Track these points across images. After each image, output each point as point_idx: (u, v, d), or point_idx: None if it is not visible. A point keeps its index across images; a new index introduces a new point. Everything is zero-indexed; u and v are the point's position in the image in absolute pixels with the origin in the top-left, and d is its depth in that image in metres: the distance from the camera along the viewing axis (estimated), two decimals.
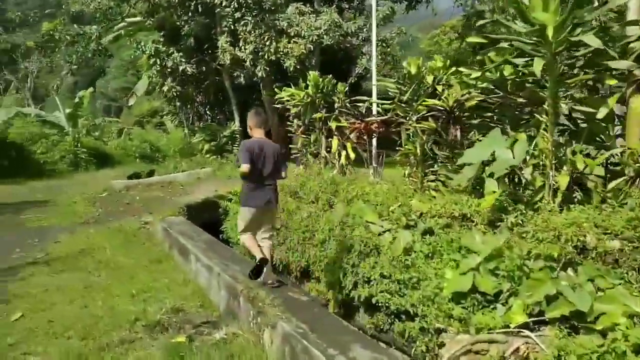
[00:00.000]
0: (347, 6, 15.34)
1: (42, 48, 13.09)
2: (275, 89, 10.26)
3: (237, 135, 14.94)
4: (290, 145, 10.28)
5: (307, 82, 9.38)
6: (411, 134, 7.12)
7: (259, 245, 4.56)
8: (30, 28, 13.62)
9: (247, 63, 12.61)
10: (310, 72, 9.16)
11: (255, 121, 4.65)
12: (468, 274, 4.24)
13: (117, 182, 13.61)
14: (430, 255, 5.22)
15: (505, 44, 5.21)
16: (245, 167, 4.28)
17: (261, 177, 4.45)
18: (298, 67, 12.51)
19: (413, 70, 6.83)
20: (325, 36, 12.78)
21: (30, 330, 4.27)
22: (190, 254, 5.95)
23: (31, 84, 31.35)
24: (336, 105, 8.98)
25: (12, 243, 7.50)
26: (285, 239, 6.70)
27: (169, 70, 13.37)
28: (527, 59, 5.15)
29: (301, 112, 9.23)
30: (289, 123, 10.05)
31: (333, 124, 8.78)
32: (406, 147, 7.13)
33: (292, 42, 12.28)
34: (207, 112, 16.21)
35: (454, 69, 6.68)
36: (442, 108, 6.17)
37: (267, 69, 12.83)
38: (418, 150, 6.84)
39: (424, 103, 6.27)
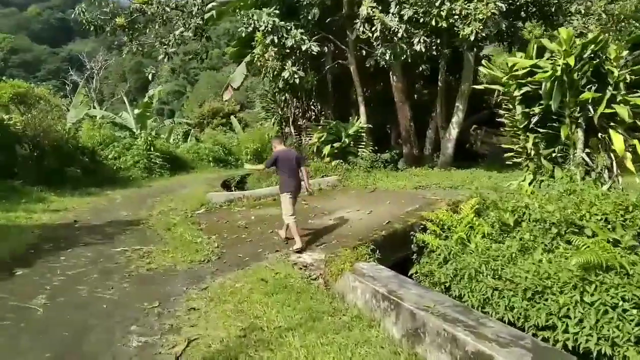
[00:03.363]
0: None
1: (129, 29, 10.63)
2: (484, 63, 7.01)
3: (364, 134, 11.76)
4: (485, 146, 7.04)
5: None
6: None
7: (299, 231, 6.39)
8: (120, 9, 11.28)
9: (400, 33, 9.33)
10: (561, 30, 5.84)
11: (277, 141, 6.89)
12: None
13: (214, 194, 10.86)
14: None
15: None
16: (262, 165, 7.42)
17: (289, 172, 6.43)
18: (483, 35, 9.08)
19: None
20: None
21: None
22: None
23: (96, 85, 29.96)
24: (615, 78, 5.57)
25: (121, 308, 4.68)
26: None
27: (287, 51, 10.39)
28: None
29: (543, 93, 5.87)
30: (503, 112, 6.79)
31: (621, 109, 5.37)
32: None
33: (474, 0, 8.88)
34: (313, 105, 13.06)
35: None
36: None
37: (427, 40, 9.50)
38: None
39: None
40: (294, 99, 13.05)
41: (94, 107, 27.58)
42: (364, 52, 11.15)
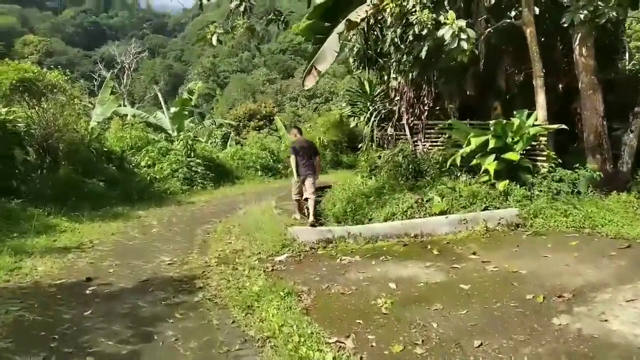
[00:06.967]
0: None
1: None
2: None
3: (543, 139, 7.31)
4: None
5: None
6: None
7: (302, 208, 7.90)
8: None
9: None
10: None
11: (295, 132, 8.17)
12: None
13: (300, 230, 7.01)
14: None
15: None
16: (292, 159, 7.69)
17: (304, 160, 7.59)
18: None
19: None
20: None
21: None
22: None
23: (127, 81, 26.90)
24: None
25: None
26: None
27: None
28: None
29: None
30: None
31: None
32: None
33: None
34: (426, 97, 8.75)
35: None
36: None
37: None
38: None
39: None
40: (420, 84, 8.76)
41: (124, 105, 24.43)
42: (536, 9, 7.05)
